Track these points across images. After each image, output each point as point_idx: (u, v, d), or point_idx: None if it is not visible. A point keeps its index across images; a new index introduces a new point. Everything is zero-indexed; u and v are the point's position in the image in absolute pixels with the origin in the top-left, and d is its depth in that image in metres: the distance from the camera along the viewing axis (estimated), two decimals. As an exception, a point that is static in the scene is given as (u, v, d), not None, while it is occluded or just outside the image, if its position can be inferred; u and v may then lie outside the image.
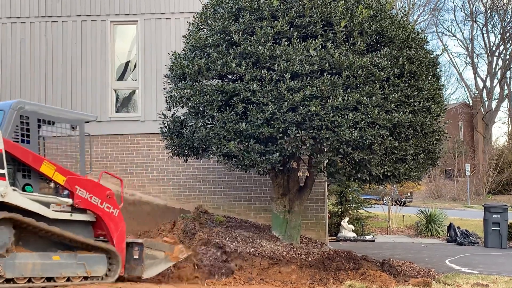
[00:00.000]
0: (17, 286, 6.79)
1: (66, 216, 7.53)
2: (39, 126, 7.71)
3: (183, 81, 10.39)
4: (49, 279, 7.17)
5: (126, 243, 8.20)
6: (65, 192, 7.79)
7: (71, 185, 7.54)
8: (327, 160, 9.98)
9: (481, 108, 48.85)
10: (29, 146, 7.34)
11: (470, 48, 50.70)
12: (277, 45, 9.49)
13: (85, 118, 8.63)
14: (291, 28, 9.66)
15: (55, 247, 7.48)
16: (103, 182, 8.37)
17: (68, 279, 7.36)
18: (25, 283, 6.88)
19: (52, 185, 7.74)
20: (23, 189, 7.23)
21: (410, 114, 9.88)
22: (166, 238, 9.28)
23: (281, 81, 9.33)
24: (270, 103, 9.24)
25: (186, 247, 9.02)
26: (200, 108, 9.95)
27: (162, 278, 9.18)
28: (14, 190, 6.94)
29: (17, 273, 6.80)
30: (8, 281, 6.71)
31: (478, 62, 51.14)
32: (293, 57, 9.34)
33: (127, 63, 14.79)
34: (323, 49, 9.48)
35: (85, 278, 7.54)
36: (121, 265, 7.88)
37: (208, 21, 10.49)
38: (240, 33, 9.70)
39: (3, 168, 6.77)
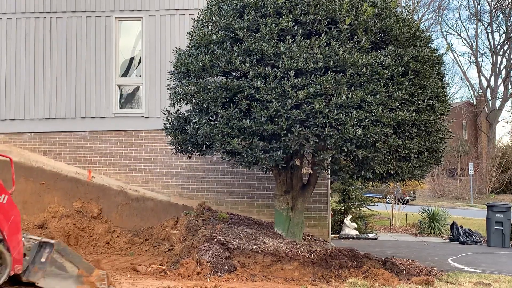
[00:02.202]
0: None
1: None
2: None
3: (187, 78, 10.39)
4: None
5: (39, 243, 7.11)
6: None
7: None
8: (331, 158, 9.97)
9: (485, 107, 48.72)
10: None
11: (474, 47, 50.58)
12: (281, 43, 9.47)
13: None
14: (296, 26, 9.64)
15: None
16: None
17: None
18: None
19: None
20: None
21: (414, 113, 9.86)
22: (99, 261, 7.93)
23: (285, 78, 9.32)
24: (274, 100, 9.24)
25: (109, 277, 7.37)
26: (204, 105, 9.95)
27: (164, 274, 9.20)
28: None
29: None
30: None
31: (482, 61, 51.13)
32: (298, 55, 9.33)
33: (131, 59, 14.80)
34: (327, 47, 9.46)
35: None
36: (11, 262, 6.68)
37: (213, 18, 10.49)
38: (245, 30, 9.69)
39: None
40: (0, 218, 6.55)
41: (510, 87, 48.37)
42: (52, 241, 7.07)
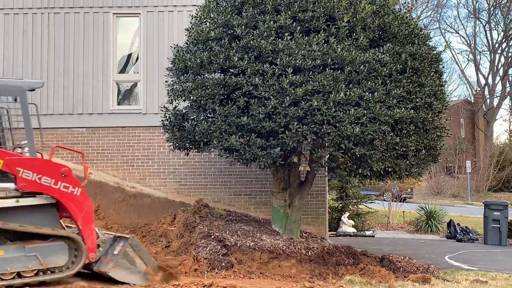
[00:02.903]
0: None
1: (10, 203, 6.71)
2: None
3: (185, 74, 10.39)
4: None
5: (114, 238, 7.53)
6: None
7: (11, 168, 6.68)
8: (328, 155, 9.98)
9: (483, 105, 48.72)
10: None
11: (472, 45, 50.57)
12: (279, 40, 9.48)
13: (26, 86, 7.38)
14: (294, 23, 9.64)
15: (6, 238, 6.73)
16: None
17: (20, 275, 6.57)
18: None
19: None
20: None
21: (412, 110, 9.88)
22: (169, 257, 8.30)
23: (283, 75, 9.32)
24: (272, 97, 9.24)
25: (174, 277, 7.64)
26: (202, 102, 9.95)
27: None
28: None
29: None
30: None
31: (480, 59, 50.80)
32: (296, 52, 9.33)
33: (129, 56, 14.77)
34: (325, 44, 9.47)
35: (43, 271, 6.76)
36: (86, 251, 7.00)
37: (211, 14, 10.48)
38: (243, 27, 9.69)
39: None
40: (74, 209, 7.03)
41: (508, 85, 48.43)
42: (127, 236, 7.47)
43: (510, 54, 47.92)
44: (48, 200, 7.00)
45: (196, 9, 11.29)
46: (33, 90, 7.74)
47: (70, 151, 8.01)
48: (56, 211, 7.16)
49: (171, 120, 11.11)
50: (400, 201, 23.73)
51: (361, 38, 9.68)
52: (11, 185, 6.81)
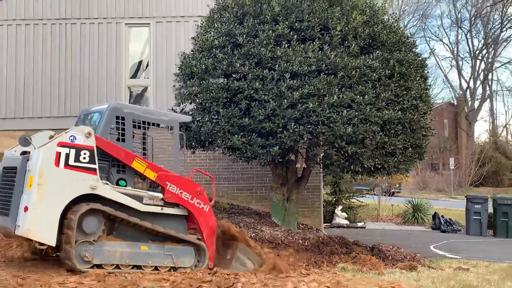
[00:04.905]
0: (105, 270, 6.63)
1: (157, 209, 7.37)
2: (134, 127, 7.49)
3: (191, 79, 10.39)
4: (137, 267, 7.03)
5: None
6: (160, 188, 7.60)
7: (162, 180, 7.35)
8: (323, 153, 9.98)
9: (465, 107, 48.74)
10: (123, 145, 7.18)
11: (455, 52, 50.57)
12: (278, 47, 9.48)
13: (179, 119, 8.26)
14: (291, 32, 9.65)
15: (148, 237, 7.32)
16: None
17: (156, 268, 7.18)
18: (112, 269, 6.76)
19: (147, 180, 7.53)
20: (117, 184, 7.11)
21: (400, 112, 9.88)
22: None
23: (282, 80, 9.33)
24: (271, 100, 9.25)
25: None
26: (207, 104, 9.96)
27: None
28: (105, 183, 6.81)
29: (105, 260, 6.74)
30: (98, 266, 6.66)
31: (462, 64, 50.98)
32: (293, 58, 9.34)
33: (140, 63, 14.79)
34: (320, 51, 9.47)
35: (174, 268, 7.29)
36: (208, 258, 7.54)
37: (215, 24, 10.48)
38: (244, 35, 9.70)
39: (95, 164, 6.67)
40: (203, 222, 7.62)
41: (487, 88, 48.46)
42: (238, 243, 7.96)
43: (489, 60, 47.94)
44: (183, 212, 7.57)
45: (201, 20, 11.30)
46: (183, 123, 8.46)
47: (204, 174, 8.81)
48: (186, 222, 7.71)
49: (179, 121, 11.11)
50: (389, 195, 23.72)
51: (353, 46, 9.69)
52: (159, 195, 7.34)
